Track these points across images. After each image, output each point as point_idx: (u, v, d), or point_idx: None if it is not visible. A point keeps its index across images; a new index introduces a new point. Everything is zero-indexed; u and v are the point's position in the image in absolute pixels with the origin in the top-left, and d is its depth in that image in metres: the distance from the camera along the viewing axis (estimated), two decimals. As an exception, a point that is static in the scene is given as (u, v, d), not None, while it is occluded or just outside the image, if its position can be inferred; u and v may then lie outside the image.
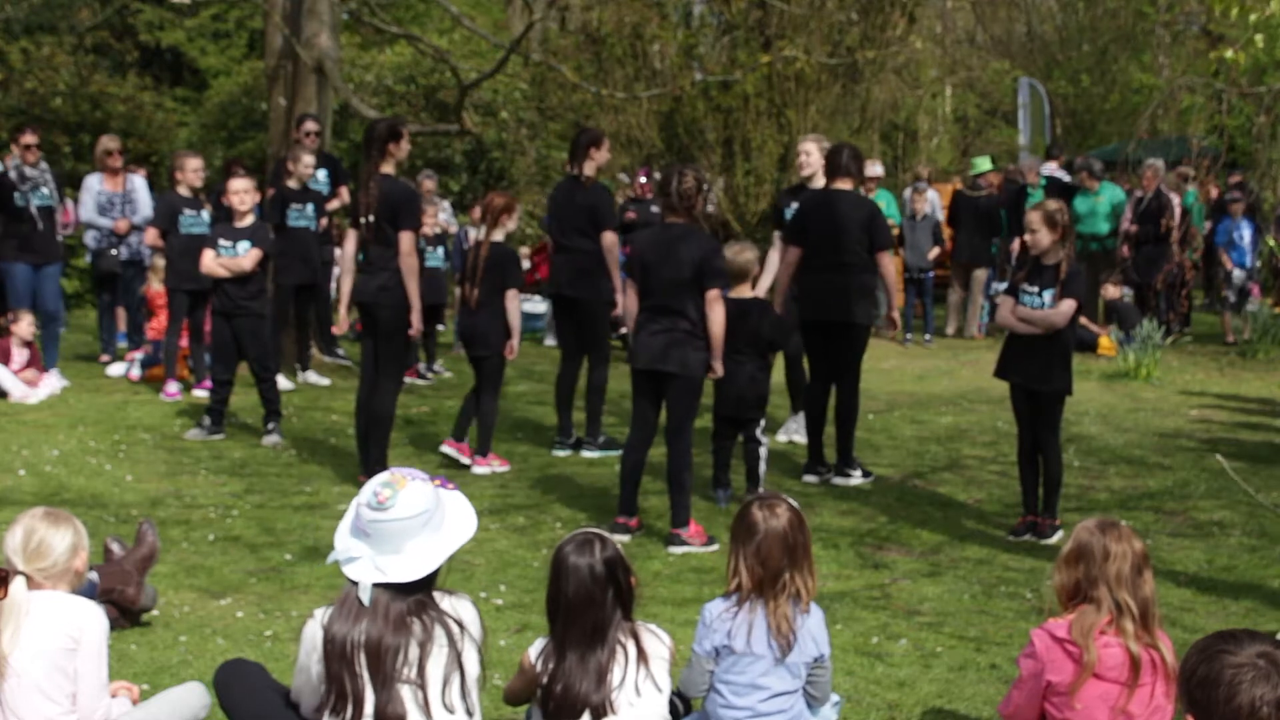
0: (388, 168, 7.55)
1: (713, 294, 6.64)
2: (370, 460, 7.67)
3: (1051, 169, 15.21)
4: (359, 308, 7.75)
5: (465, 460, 8.30)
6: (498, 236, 8.31)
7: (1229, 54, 8.12)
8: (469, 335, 8.35)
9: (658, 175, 15.66)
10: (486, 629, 3.61)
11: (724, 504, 7.51)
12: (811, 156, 8.56)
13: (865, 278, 7.99)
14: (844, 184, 8.02)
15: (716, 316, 6.65)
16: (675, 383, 6.70)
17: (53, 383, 10.25)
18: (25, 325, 10.12)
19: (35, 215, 10.36)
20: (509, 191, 8.90)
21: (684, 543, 6.70)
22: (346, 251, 7.72)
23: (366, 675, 3.39)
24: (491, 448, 8.38)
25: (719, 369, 6.80)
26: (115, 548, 5.36)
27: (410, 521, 3.43)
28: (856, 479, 8.12)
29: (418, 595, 3.44)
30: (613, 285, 8.60)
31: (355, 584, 3.44)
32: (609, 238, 8.58)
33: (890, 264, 8.18)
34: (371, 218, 7.47)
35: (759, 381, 7.50)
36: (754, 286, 7.70)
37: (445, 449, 8.36)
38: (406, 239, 7.46)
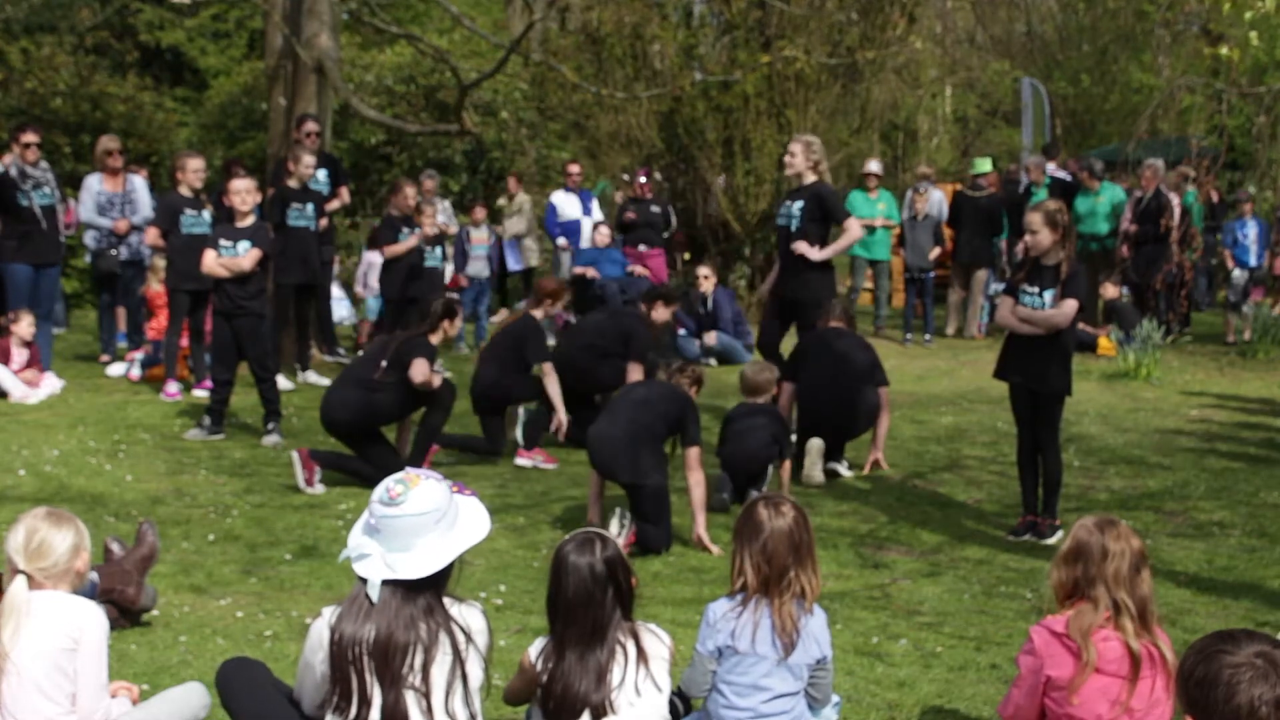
0: (436, 339, 8.06)
1: (693, 453, 6.78)
2: (414, 449, 8.05)
3: (1052, 169, 15.22)
4: (332, 430, 8.05)
5: (523, 463, 8.58)
6: (536, 313, 8.81)
7: (1224, 51, 8.13)
8: (475, 392, 8.70)
9: (658, 175, 15.69)
10: (493, 637, 3.60)
11: (725, 508, 7.54)
12: (796, 158, 8.66)
13: (867, 394, 8.38)
14: (838, 324, 8.53)
15: (697, 479, 6.75)
16: (638, 491, 6.72)
17: (52, 383, 10.25)
18: (25, 325, 10.12)
19: (39, 214, 10.35)
20: (558, 279, 9.32)
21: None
22: None
23: (373, 676, 3.39)
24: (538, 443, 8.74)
25: (707, 540, 6.74)
26: (115, 548, 5.36)
27: (421, 519, 3.42)
28: (844, 469, 8.39)
29: (426, 598, 3.44)
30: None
31: (364, 582, 3.44)
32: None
33: (886, 397, 8.55)
34: (385, 363, 7.83)
35: (760, 461, 7.64)
36: (772, 400, 7.97)
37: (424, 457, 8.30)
38: (421, 364, 7.79)
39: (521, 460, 8.56)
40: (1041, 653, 3.68)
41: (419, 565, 3.43)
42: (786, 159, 8.78)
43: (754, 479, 7.64)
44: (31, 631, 3.66)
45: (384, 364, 7.82)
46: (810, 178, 8.63)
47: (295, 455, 7.76)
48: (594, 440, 6.87)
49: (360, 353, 8.52)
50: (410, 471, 3.51)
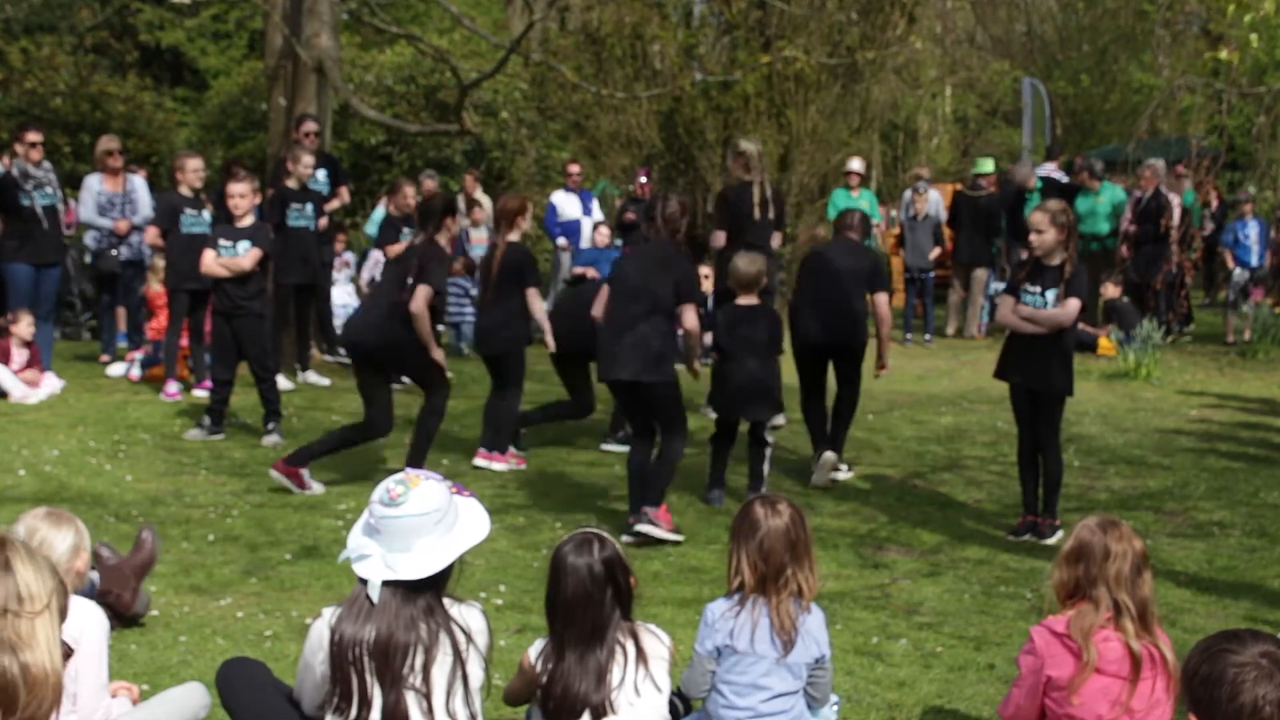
0: (443, 239, 7.72)
1: (688, 306, 6.89)
2: (411, 452, 7.78)
3: (1050, 170, 15.20)
4: (352, 350, 7.87)
5: (498, 467, 8.37)
6: (513, 238, 8.46)
7: (1223, 55, 8.13)
8: (482, 334, 8.47)
9: (657, 176, 15.70)
10: (493, 637, 3.61)
11: (719, 504, 7.52)
12: (728, 161, 9.58)
13: (861, 308, 8.20)
14: (852, 235, 8.31)
15: (691, 321, 6.88)
16: (654, 391, 6.78)
17: (52, 383, 10.24)
18: (25, 325, 10.12)
19: (40, 215, 10.36)
20: (517, 193, 8.95)
21: (651, 522, 6.73)
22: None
23: (374, 677, 3.39)
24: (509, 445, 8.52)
25: (697, 368, 7.20)
26: (105, 553, 5.28)
27: (421, 519, 3.43)
28: (844, 473, 8.26)
29: (426, 598, 3.44)
30: None
31: (364, 583, 3.44)
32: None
33: (886, 306, 8.25)
34: (410, 280, 7.58)
35: (760, 378, 7.54)
36: (760, 297, 7.81)
37: (478, 461, 8.35)
38: (423, 291, 7.49)
39: (497, 465, 8.38)
40: (1042, 653, 3.68)
41: (419, 566, 3.43)
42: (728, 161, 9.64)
43: (751, 406, 7.61)
44: (31, 631, 3.65)
45: (409, 280, 7.55)
46: (746, 178, 9.25)
47: (274, 473, 7.60)
48: (608, 364, 6.92)
49: (383, 272, 8.01)
50: (410, 472, 3.52)
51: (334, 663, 3.41)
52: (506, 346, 8.42)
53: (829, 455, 8.07)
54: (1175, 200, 13.85)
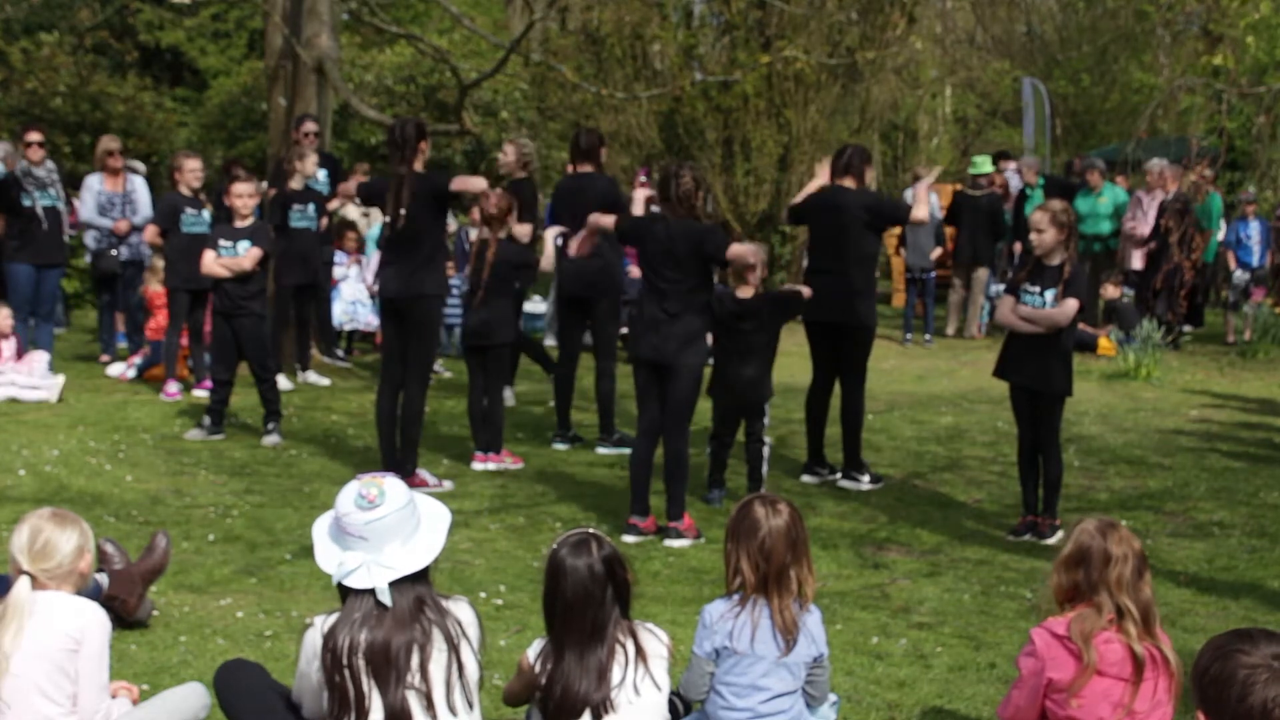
0: (419, 166, 7.60)
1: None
2: (401, 457, 7.65)
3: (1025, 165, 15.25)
4: (385, 304, 7.74)
5: (493, 467, 8.32)
6: (502, 235, 8.41)
7: (1217, 60, 8.13)
8: (480, 330, 8.36)
9: (657, 176, 15.69)
10: (484, 629, 3.63)
11: (718, 504, 7.51)
12: (508, 157, 9.41)
13: (868, 277, 7.98)
14: (847, 182, 8.01)
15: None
16: (676, 374, 6.74)
17: (54, 381, 10.22)
18: (3, 317, 10.07)
19: (41, 215, 10.37)
20: (504, 192, 8.88)
21: (679, 535, 6.77)
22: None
23: (371, 680, 3.40)
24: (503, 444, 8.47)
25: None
26: (109, 549, 5.28)
27: (402, 511, 3.49)
28: (865, 484, 8.04)
29: (417, 592, 3.47)
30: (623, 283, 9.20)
31: (360, 593, 3.45)
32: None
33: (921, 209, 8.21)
34: (403, 211, 7.44)
35: (761, 383, 7.51)
36: (755, 288, 7.70)
37: (476, 465, 8.31)
38: (473, 183, 7.75)
39: (492, 465, 8.32)
40: (1043, 655, 3.67)
41: (418, 555, 3.49)
42: (500, 156, 9.54)
43: (751, 408, 7.55)
44: (34, 632, 3.66)
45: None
46: (520, 174, 9.34)
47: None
48: (638, 344, 6.85)
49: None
50: (366, 476, 3.58)
51: (328, 671, 3.41)
52: (503, 342, 8.43)
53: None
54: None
